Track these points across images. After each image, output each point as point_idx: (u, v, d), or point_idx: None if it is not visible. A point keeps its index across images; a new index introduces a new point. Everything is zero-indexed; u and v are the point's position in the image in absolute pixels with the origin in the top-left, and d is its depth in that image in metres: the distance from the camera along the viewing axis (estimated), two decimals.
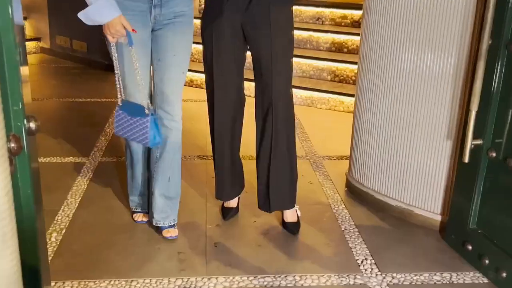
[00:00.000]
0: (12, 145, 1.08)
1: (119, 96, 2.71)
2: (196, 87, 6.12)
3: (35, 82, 6.19)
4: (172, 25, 2.64)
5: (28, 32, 7.75)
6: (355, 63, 5.12)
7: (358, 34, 5.24)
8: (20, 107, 1.19)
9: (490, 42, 2.47)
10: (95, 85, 6.16)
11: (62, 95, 5.72)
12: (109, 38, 2.50)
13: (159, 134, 2.62)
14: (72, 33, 7.24)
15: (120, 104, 2.69)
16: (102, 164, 3.92)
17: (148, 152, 2.93)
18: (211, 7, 2.75)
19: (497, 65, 2.48)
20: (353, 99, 4.92)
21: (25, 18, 7.64)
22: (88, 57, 7.10)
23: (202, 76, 5.77)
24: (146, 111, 2.59)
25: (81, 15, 2.42)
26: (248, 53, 2.85)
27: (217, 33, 2.73)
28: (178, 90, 2.72)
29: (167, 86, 2.68)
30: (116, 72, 2.63)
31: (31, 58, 7.31)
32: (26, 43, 7.14)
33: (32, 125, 1.23)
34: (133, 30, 2.49)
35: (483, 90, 2.51)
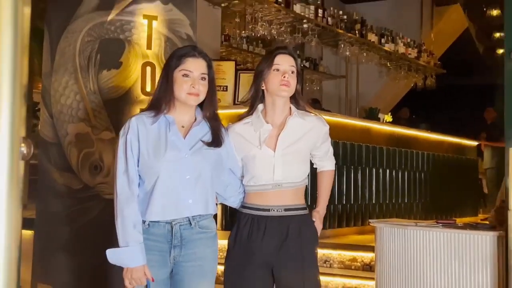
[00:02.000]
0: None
1: None
2: None
3: None
4: (191, 269, 2.53)
5: None
6: None
7: (371, 279, 4.84)
8: None
9: None
10: None
11: None
12: (126, 282, 2.48)
13: None
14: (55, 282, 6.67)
15: None
16: None
17: None
18: (238, 247, 2.66)
19: None
20: None
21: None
22: None
23: None
24: None
25: (110, 252, 2.47)
26: None
27: (246, 281, 2.64)
28: None
29: None
30: None
31: None
32: None
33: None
34: (152, 279, 2.46)
35: None
